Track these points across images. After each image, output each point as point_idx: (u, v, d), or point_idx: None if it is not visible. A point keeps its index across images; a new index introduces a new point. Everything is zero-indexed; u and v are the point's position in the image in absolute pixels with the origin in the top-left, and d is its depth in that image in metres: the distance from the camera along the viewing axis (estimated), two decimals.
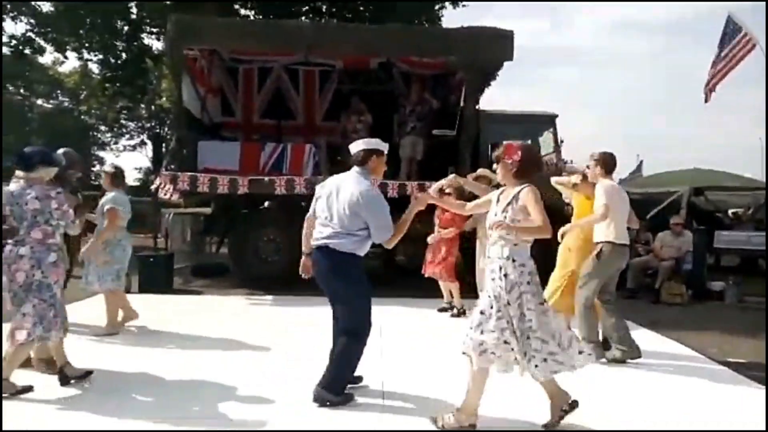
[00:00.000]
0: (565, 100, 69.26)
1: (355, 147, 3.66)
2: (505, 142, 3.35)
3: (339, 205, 3.51)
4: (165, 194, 7.65)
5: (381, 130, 9.02)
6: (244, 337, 5.09)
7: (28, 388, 3.49)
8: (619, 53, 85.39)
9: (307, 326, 5.64)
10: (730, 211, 12.80)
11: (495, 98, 24.36)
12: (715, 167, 12.45)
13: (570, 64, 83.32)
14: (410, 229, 7.89)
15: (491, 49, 8.06)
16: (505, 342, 3.01)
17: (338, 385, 3.48)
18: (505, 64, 8.60)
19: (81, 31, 15.84)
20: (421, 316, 6.31)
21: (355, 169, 3.62)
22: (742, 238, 8.94)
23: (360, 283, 3.60)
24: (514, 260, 3.07)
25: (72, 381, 3.66)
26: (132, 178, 27.51)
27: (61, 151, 4.16)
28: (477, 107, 8.60)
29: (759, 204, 11.96)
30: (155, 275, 7.59)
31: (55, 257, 3.57)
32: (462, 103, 9.01)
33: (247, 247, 8.09)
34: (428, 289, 6.83)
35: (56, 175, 3.81)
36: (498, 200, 3.29)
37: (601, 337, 4.72)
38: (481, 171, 6.28)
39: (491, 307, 3.07)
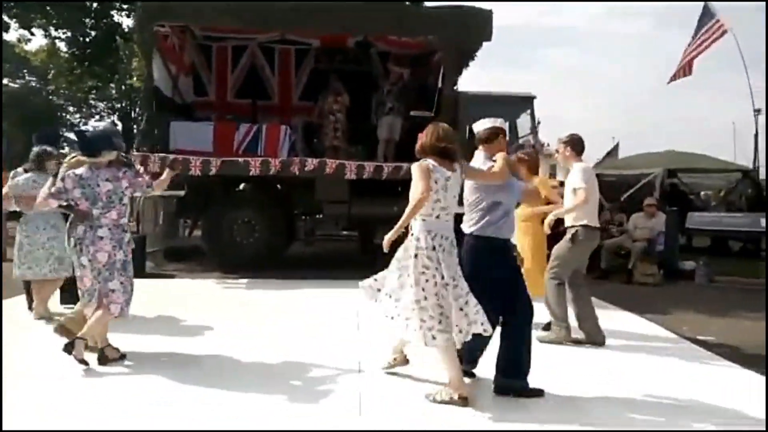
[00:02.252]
0: (549, 82, 69.56)
1: (483, 125, 3.57)
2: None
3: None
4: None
5: (358, 111, 8.95)
6: (217, 321, 5.00)
7: (124, 355, 3.81)
8: (605, 35, 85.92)
9: (282, 309, 5.59)
10: (702, 193, 13.05)
11: (478, 78, 24.29)
12: (689, 150, 12.60)
13: (555, 46, 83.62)
14: (387, 212, 7.86)
15: (470, 28, 7.97)
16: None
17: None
18: (487, 45, 8.54)
19: (48, 8, 15.30)
20: None
21: (480, 152, 3.55)
22: (713, 219, 9.10)
23: None
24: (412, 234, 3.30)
25: (110, 362, 3.73)
26: None
27: (101, 125, 4.15)
28: (455, 88, 8.52)
29: (731, 186, 12.22)
30: None
31: (128, 236, 3.83)
32: (440, 84, 8.94)
33: (222, 230, 7.95)
34: None
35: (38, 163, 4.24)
36: None
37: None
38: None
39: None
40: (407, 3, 14.97)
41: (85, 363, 3.60)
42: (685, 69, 11.17)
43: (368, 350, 4.17)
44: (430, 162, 3.22)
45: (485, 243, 3.39)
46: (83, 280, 3.75)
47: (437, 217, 3.24)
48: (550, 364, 3.87)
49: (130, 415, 2.97)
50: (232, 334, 4.62)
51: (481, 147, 3.56)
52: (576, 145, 4.66)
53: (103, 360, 3.71)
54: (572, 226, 4.58)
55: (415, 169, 3.21)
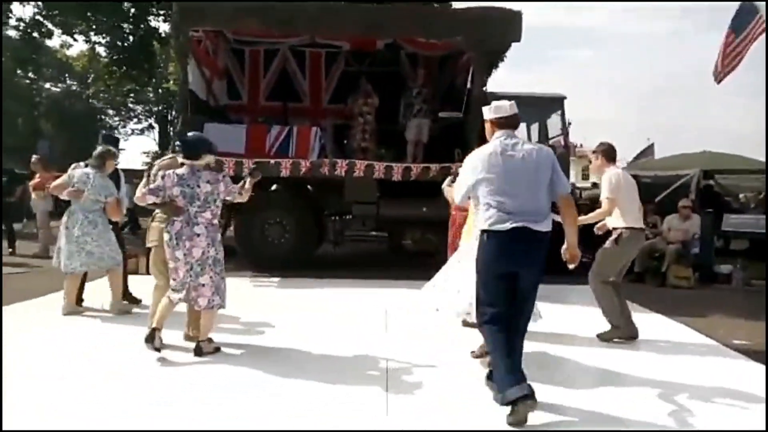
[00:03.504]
0: (579, 83, 68.44)
1: (510, 108, 3.28)
2: None
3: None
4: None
5: (388, 113, 9.02)
6: (248, 319, 5.12)
7: (218, 348, 4.08)
8: (634, 34, 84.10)
9: (311, 308, 5.70)
10: (740, 195, 12.67)
11: (506, 80, 24.23)
12: (726, 150, 12.27)
13: (584, 45, 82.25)
14: (416, 213, 7.89)
15: (499, 29, 7.95)
16: None
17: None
18: (515, 45, 8.51)
19: (88, 14, 15.81)
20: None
21: (508, 133, 3.25)
22: (750, 222, 8.86)
23: None
24: None
25: (205, 355, 3.97)
26: (140, 162, 27.62)
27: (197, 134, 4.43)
28: (484, 89, 8.51)
29: None
30: None
31: (220, 236, 4.10)
32: (469, 85, 8.94)
33: (253, 230, 8.13)
34: (434, 272, 6.82)
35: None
36: None
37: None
38: None
39: None
40: (435, 5, 15.03)
41: (217, 349, 4.05)
42: (731, 67, 10.76)
43: (396, 350, 4.23)
44: None
45: None
46: (177, 272, 3.97)
47: None
48: (579, 365, 3.87)
49: (140, 414, 3.03)
50: (261, 332, 4.74)
51: (503, 129, 3.25)
52: (608, 153, 4.80)
53: (150, 338, 3.90)
54: (615, 228, 4.66)
55: None
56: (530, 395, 2.89)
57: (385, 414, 3.09)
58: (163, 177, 3.95)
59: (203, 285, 3.94)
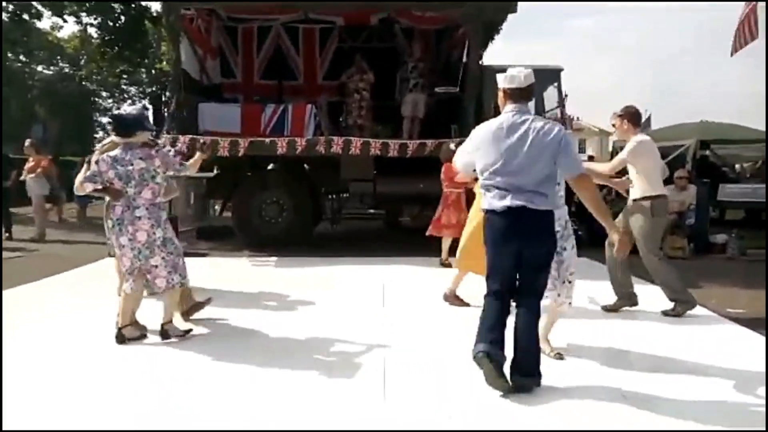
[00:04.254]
0: (577, 53, 67.71)
1: (525, 79, 3.09)
2: None
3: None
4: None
5: (383, 88, 8.96)
6: (246, 298, 5.17)
7: (189, 330, 3.99)
8: (632, 4, 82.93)
9: (309, 286, 5.73)
10: (737, 165, 12.68)
11: (504, 52, 23.98)
12: (724, 119, 12.23)
13: (582, 15, 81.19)
14: (413, 190, 7.78)
15: (494, 1, 7.88)
16: None
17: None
18: (512, 16, 8.42)
19: None
20: (424, 274, 6.36)
21: (519, 107, 3.09)
22: (746, 191, 8.88)
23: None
24: None
25: (172, 336, 3.91)
26: None
27: (134, 110, 4.17)
28: (480, 62, 8.44)
29: (766, 157, 11.84)
30: None
31: (165, 214, 3.94)
32: (465, 59, 8.86)
33: (251, 210, 8.14)
34: (432, 249, 6.87)
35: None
36: None
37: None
38: None
39: None
40: None
41: (188, 331, 3.98)
42: (748, 34, 10.55)
43: (392, 327, 4.27)
44: None
45: None
46: (123, 260, 3.88)
47: None
48: (578, 334, 3.92)
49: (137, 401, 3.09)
50: (259, 310, 4.79)
51: (515, 103, 3.10)
52: (633, 117, 4.71)
53: (120, 339, 3.81)
54: (645, 198, 4.60)
55: None
56: (490, 353, 2.93)
57: (382, 391, 3.09)
58: (97, 162, 3.81)
59: (156, 266, 3.81)
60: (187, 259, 6.42)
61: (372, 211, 10.33)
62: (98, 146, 4.43)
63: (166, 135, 7.49)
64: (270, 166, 8.81)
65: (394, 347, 3.79)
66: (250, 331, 4.19)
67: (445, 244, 6.66)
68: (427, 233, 6.74)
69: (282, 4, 8.56)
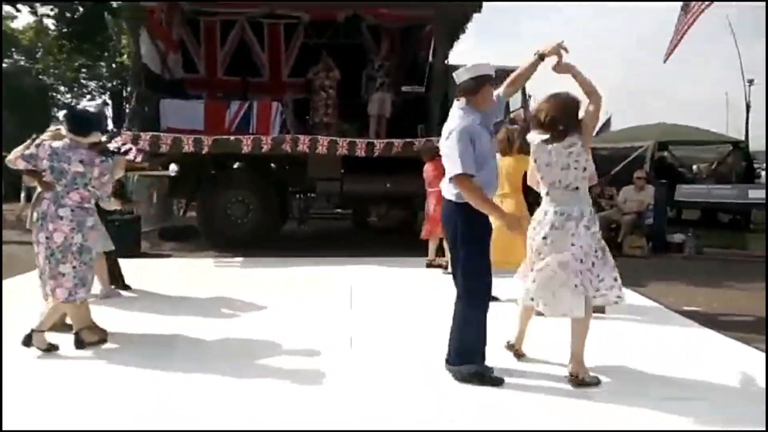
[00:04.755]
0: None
1: (462, 75, 3.12)
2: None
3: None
4: (126, 155, 7.44)
5: (349, 86, 8.91)
6: (210, 300, 5.08)
7: (55, 347, 3.62)
8: (595, 6, 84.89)
9: (275, 287, 5.67)
10: (694, 166, 13.11)
11: (474, 53, 24.34)
12: (682, 122, 12.63)
13: (544, 18, 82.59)
14: (380, 189, 7.76)
15: (459, 1, 7.93)
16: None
17: (466, 355, 3.16)
18: (478, 16, 8.48)
19: None
20: (392, 274, 6.35)
21: (458, 104, 3.17)
22: (702, 192, 9.16)
23: (476, 238, 3.13)
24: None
25: (87, 346, 3.70)
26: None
27: (92, 106, 4.07)
28: (446, 62, 8.48)
29: (721, 158, 12.28)
30: (121, 239, 7.43)
31: (92, 221, 3.69)
32: (431, 58, 8.89)
33: (215, 209, 7.98)
34: (402, 249, 6.88)
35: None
36: None
37: None
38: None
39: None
40: None
41: (53, 348, 3.61)
42: (674, 45, 11.21)
43: (360, 327, 4.26)
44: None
45: None
46: (38, 257, 3.68)
47: None
48: (535, 335, 3.97)
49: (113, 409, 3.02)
50: (225, 312, 4.71)
51: (463, 98, 3.16)
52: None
53: (79, 345, 3.68)
54: None
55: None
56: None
57: (353, 395, 3.10)
58: (38, 146, 3.67)
59: (63, 274, 3.57)
60: (150, 261, 6.31)
61: (339, 210, 10.29)
62: (47, 131, 4.18)
63: (127, 132, 7.28)
64: (235, 165, 8.67)
65: (364, 348, 3.78)
66: (211, 334, 4.10)
67: (433, 245, 6.60)
68: (423, 236, 6.60)
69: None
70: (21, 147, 3.80)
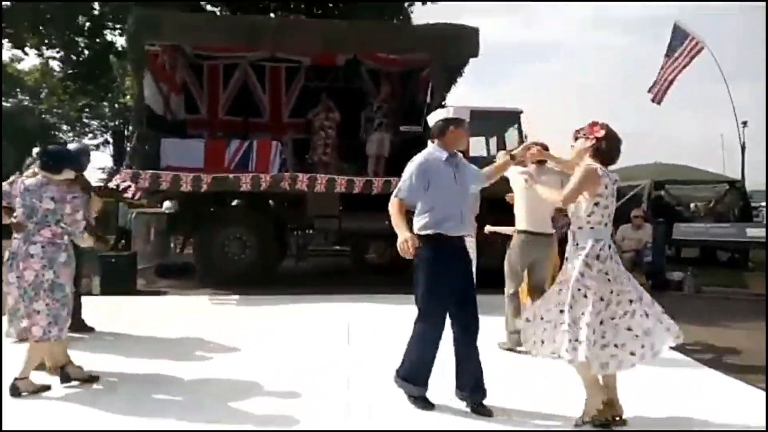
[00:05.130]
0: (536, 96, 70.12)
1: (433, 118, 3.40)
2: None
3: None
4: (126, 192, 7.51)
5: (348, 127, 9.05)
6: (207, 337, 5.02)
7: (47, 387, 3.56)
8: (589, 48, 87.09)
9: (273, 324, 5.62)
10: (691, 205, 13.20)
11: (470, 95, 25.01)
12: (676, 162, 12.79)
13: (541, 60, 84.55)
14: (378, 227, 7.82)
15: (456, 45, 8.12)
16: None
17: (411, 374, 3.30)
18: (475, 60, 8.69)
19: (41, 27, 15.41)
20: (390, 311, 6.29)
21: (432, 144, 3.38)
22: (700, 230, 9.21)
23: (423, 267, 3.25)
24: (577, 244, 3.08)
25: (73, 381, 3.65)
26: (95, 178, 26.85)
27: (73, 147, 4.13)
28: (443, 103, 8.64)
29: (719, 197, 12.38)
30: (117, 276, 7.42)
31: (65, 257, 3.58)
32: (429, 99, 9.06)
33: (213, 246, 7.98)
34: (398, 285, 6.81)
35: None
36: None
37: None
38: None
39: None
40: (395, 22, 15.27)
41: (45, 388, 3.55)
42: (665, 89, 11.51)
43: (358, 365, 4.20)
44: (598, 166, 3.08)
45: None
46: (7, 299, 3.61)
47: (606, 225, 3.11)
48: (534, 375, 3.92)
49: None
50: (221, 350, 4.65)
51: (435, 141, 3.38)
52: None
53: (65, 379, 3.61)
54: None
55: (586, 171, 3.04)
56: None
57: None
58: (11, 183, 3.66)
59: (38, 312, 3.47)
60: (145, 298, 6.26)
61: (337, 247, 10.29)
62: (26, 172, 4.13)
63: (127, 170, 7.36)
64: (234, 202, 8.71)
65: (360, 385, 3.73)
66: (206, 373, 4.05)
67: None
68: None
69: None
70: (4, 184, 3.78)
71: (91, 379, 3.73)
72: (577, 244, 3.09)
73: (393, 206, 3.33)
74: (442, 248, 3.24)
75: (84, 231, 3.74)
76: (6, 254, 3.58)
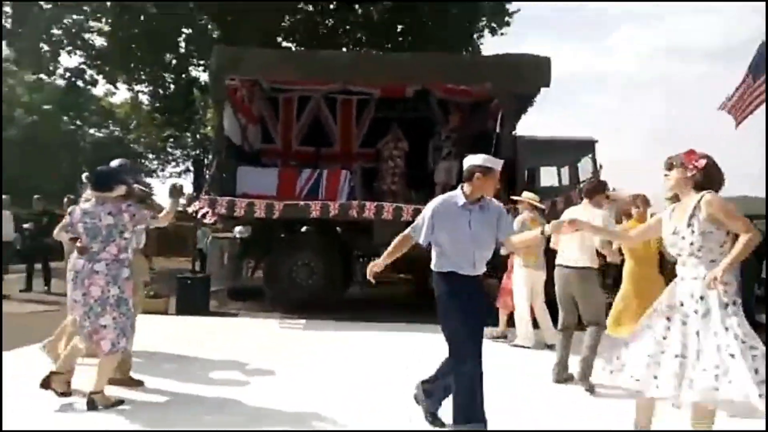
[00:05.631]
0: (602, 126, 68.07)
1: (467, 162, 3.48)
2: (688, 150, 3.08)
3: None
4: (203, 218, 7.86)
5: (417, 157, 9.12)
6: (270, 362, 5.10)
7: (121, 401, 3.71)
8: (657, 79, 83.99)
9: (337, 349, 5.65)
10: None
11: (534, 122, 24.81)
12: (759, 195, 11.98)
13: (607, 89, 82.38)
14: None
15: (527, 75, 8.04)
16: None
17: (460, 415, 3.25)
18: (544, 90, 8.58)
19: (131, 64, 16.64)
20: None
21: (460, 187, 3.47)
22: None
23: (450, 304, 3.34)
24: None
25: (100, 407, 3.63)
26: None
27: (116, 162, 4.25)
28: (513, 132, 8.56)
29: None
30: (192, 297, 7.74)
31: (128, 272, 3.76)
32: (498, 129, 9.00)
33: (282, 271, 8.18)
34: None
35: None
36: (671, 217, 3.08)
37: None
38: (527, 196, 6.18)
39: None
40: (464, 53, 15.36)
41: (119, 402, 3.69)
42: (747, 112, 10.66)
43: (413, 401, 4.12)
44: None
45: None
46: (72, 314, 3.77)
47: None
48: (555, 403, 3.71)
49: None
50: (282, 374, 4.72)
51: (464, 185, 3.43)
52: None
53: (91, 406, 3.60)
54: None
55: (720, 199, 2.94)
56: None
57: None
58: (70, 213, 3.82)
59: (105, 327, 3.62)
60: (217, 319, 6.45)
61: (402, 275, 10.27)
62: (82, 197, 4.32)
63: (205, 196, 7.73)
64: (303, 229, 8.93)
65: (419, 421, 3.65)
66: (262, 395, 4.11)
67: (504, 315, 6.43)
68: (499, 305, 6.46)
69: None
70: (62, 221, 3.95)
71: (116, 403, 3.73)
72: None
73: (399, 236, 3.52)
74: (455, 283, 3.34)
75: (155, 217, 3.90)
76: (70, 274, 3.73)
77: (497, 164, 3.40)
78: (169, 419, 3.53)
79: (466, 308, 3.28)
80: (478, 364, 3.23)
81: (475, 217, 3.36)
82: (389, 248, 3.53)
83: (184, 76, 17.49)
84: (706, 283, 2.79)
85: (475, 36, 17.11)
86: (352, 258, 8.99)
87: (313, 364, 5.07)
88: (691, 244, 2.94)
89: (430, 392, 3.56)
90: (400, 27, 16.36)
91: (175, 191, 4.07)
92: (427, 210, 3.41)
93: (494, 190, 3.44)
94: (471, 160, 3.42)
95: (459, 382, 3.25)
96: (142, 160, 32.20)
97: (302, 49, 16.16)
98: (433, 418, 3.55)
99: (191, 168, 31.48)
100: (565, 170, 9.28)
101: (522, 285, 5.98)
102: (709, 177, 2.99)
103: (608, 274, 8.78)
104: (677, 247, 3.00)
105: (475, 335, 3.27)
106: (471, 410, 3.22)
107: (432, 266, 3.42)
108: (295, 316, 7.50)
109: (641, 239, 3.69)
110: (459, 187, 3.47)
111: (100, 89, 22.69)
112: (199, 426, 3.42)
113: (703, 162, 2.99)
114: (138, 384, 4.11)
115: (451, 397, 3.30)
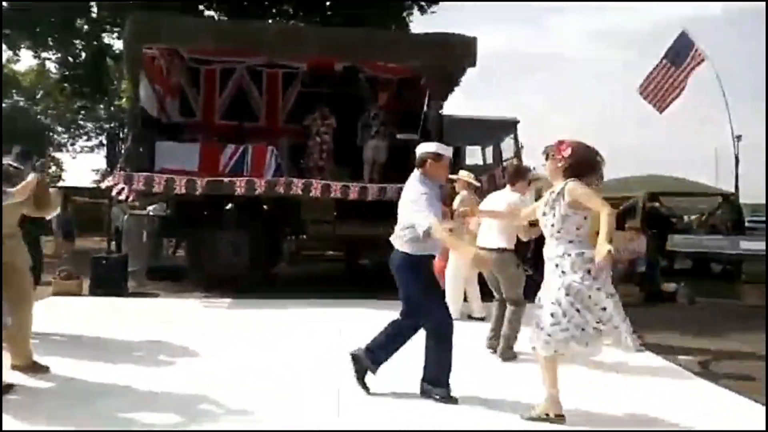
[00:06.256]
0: (539, 107, 70.56)
1: (419, 149, 3.65)
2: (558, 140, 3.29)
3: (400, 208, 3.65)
4: (119, 194, 7.46)
5: (345, 133, 9.04)
6: (197, 341, 4.97)
7: (9, 386, 3.48)
8: (595, 61, 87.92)
9: (263, 329, 5.58)
10: (685, 217, 13.26)
11: (464, 104, 25.48)
12: (671, 174, 12.87)
13: (544, 70, 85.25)
14: (372, 233, 7.84)
15: (454, 55, 8.14)
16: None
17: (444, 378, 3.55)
18: (475, 71, 8.71)
19: (37, 29, 15.36)
20: (384, 317, 6.24)
21: (415, 173, 3.62)
22: (694, 242, 9.23)
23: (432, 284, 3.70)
24: (569, 255, 3.13)
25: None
26: (89, 180, 26.76)
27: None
28: (440, 111, 8.66)
29: (713, 209, 12.44)
30: (108, 277, 7.36)
31: None
32: (426, 108, 9.08)
33: (206, 249, 7.93)
34: (394, 290, 6.79)
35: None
36: (546, 201, 3.30)
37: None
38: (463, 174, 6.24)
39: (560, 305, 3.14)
40: (393, 30, 15.31)
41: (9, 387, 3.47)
42: (670, 98, 11.42)
43: (349, 369, 4.15)
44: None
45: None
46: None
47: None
48: (525, 382, 3.89)
49: None
50: (210, 354, 4.60)
51: (418, 170, 3.60)
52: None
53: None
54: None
55: (581, 186, 3.13)
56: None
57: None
58: None
59: None
60: (135, 300, 6.23)
61: (331, 252, 10.26)
62: None
63: (121, 172, 7.31)
64: (227, 206, 8.67)
65: (350, 390, 3.68)
66: (196, 375, 4.00)
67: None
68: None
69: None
70: None
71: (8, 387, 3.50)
72: (570, 254, 3.15)
73: (439, 229, 3.36)
74: (431, 266, 3.69)
75: (7, 192, 3.60)
76: None
77: (447, 151, 3.58)
78: (76, 415, 3.30)
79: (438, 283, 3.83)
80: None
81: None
82: (450, 241, 3.58)
83: (96, 43, 16.35)
84: (598, 261, 3.02)
85: (404, 14, 17.07)
86: (280, 236, 8.84)
87: (240, 342, 4.97)
88: (552, 225, 3.21)
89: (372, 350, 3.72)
90: (328, 1, 16.04)
91: (39, 166, 3.90)
92: (428, 194, 3.43)
93: (445, 176, 3.64)
94: (423, 148, 3.58)
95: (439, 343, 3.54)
96: (51, 134, 30.10)
97: (226, 19, 15.52)
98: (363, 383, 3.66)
99: (105, 142, 29.79)
100: (489, 149, 9.54)
101: (453, 264, 6.12)
102: (576, 164, 3.20)
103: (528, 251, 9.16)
104: (546, 228, 3.28)
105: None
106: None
107: (408, 250, 3.51)
108: (218, 295, 7.31)
109: (529, 219, 3.90)
110: (416, 172, 3.59)
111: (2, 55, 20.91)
112: (113, 424, 3.26)
113: (569, 151, 3.19)
114: (44, 370, 3.85)
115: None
